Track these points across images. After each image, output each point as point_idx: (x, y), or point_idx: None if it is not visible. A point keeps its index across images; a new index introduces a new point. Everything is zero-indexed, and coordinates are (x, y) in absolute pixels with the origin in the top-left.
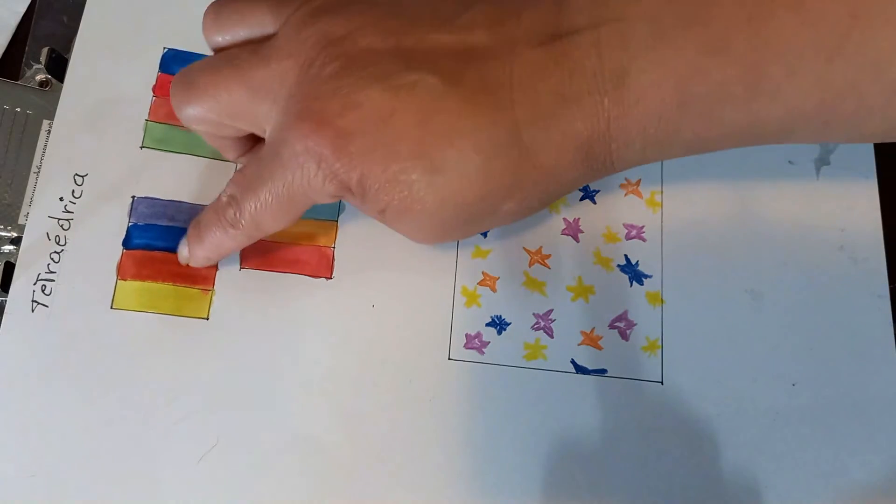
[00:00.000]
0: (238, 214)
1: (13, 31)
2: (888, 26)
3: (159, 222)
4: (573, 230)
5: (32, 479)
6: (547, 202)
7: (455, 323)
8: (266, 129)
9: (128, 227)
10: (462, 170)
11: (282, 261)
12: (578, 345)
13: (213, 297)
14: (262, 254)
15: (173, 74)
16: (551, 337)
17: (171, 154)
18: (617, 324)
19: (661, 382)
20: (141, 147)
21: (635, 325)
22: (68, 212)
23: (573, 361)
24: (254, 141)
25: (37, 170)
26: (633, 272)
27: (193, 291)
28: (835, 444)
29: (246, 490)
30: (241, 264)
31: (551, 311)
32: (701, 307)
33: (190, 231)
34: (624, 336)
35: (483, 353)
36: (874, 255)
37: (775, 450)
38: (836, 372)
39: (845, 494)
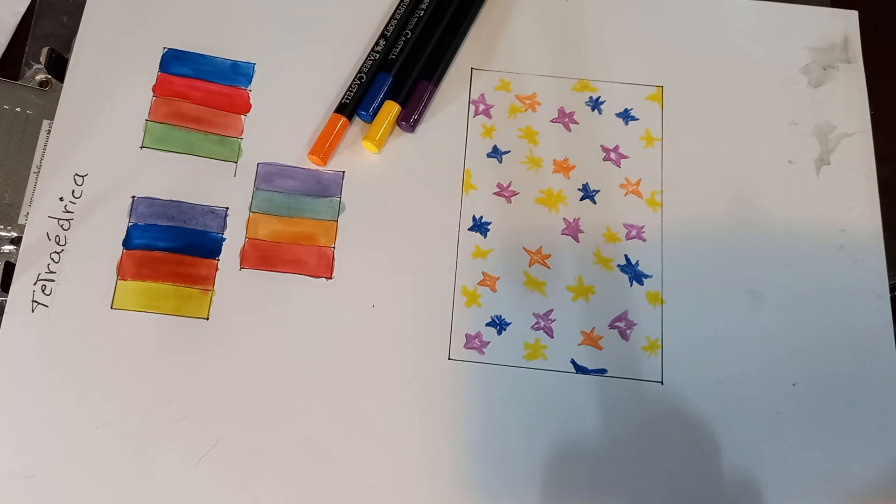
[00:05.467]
0: None
1: (13, 31)
2: None
3: (159, 222)
4: (573, 230)
5: (31, 479)
6: None
7: (455, 323)
8: None
9: (128, 227)
10: None
11: (282, 261)
12: (578, 345)
13: (213, 297)
14: (262, 254)
15: (173, 74)
16: (551, 337)
17: (171, 154)
18: (617, 324)
19: (661, 382)
20: (141, 147)
21: (635, 325)
22: (68, 212)
23: (573, 361)
24: None
25: (37, 170)
26: (633, 272)
27: (193, 291)
28: (835, 444)
29: (246, 490)
30: (241, 264)
31: (551, 311)
32: (701, 307)
33: None
34: (624, 336)
35: (483, 353)
36: (874, 255)
37: (775, 450)
38: (836, 372)
39: (845, 494)
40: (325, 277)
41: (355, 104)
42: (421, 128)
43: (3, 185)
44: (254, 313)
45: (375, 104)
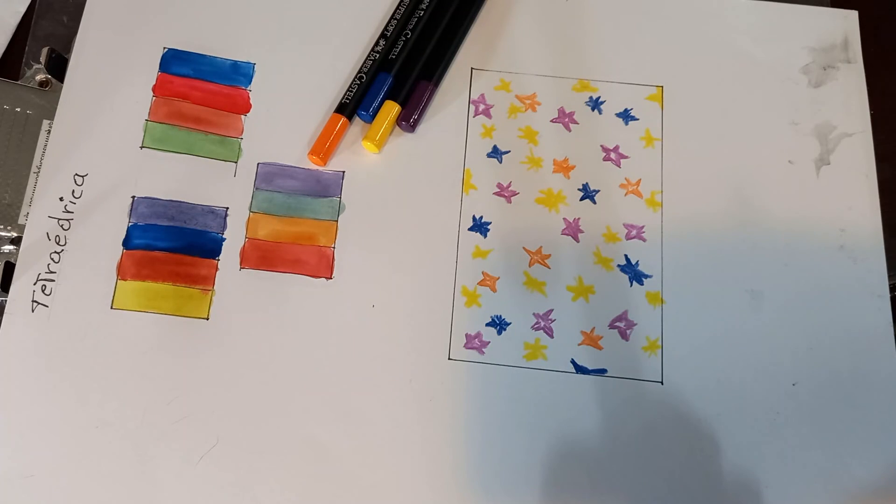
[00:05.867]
0: None
1: (13, 31)
2: None
3: (159, 222)
4: (573, 230)
5: (31, 479)
6: None
7: (455, 323)
8: None
9: (128, 227)
10: None
11: (282, 261)
12: (578, 345)
13: (213, 297)
14: (262, 254)
15: (173, 74)
16: (551, 337)
17: (171, 154)
18: (617, 324)
19: (661, 382)
20: (141, 147)
21: (635, 325)
22: (68, 212)
23: (573, 361)
24: None
25: (37, 170)
26: (633, 272)
27: (193, 291)
28: (835, 444)
29: (246, 490)
30: (241, 264)
31: (551, 311)
32: (701, 307)
33: None
34: (624, 336)
35: (483, 353)
36: (874, 255)
37: (775, 450)
38: (836, 372)
39: (845, 494)
40: (325, 277)
41: (355, 104)
42: (421, 128)
43: (3, 185)
44: (254, 313)
45: (375, 104)
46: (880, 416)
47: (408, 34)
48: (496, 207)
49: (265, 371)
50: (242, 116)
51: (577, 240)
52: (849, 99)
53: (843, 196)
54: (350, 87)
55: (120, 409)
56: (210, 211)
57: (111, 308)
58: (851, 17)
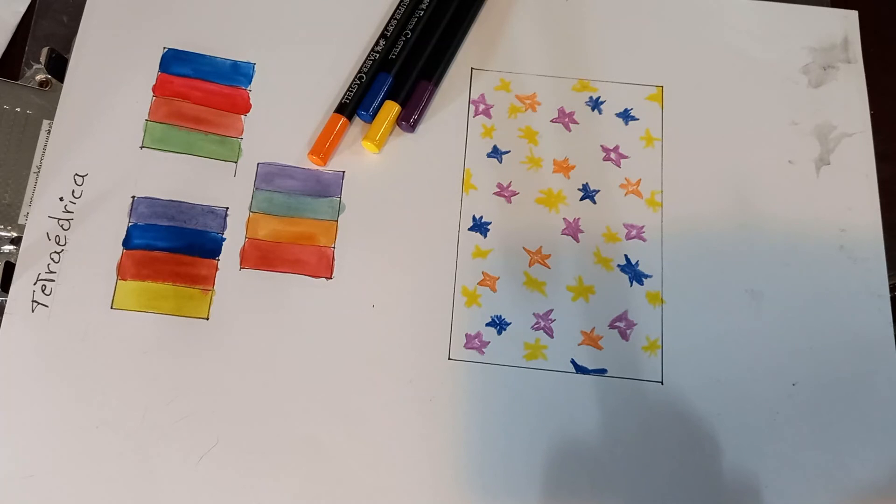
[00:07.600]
0: None
1: (13, 31)
2: None
3: (159, 222)
4: (573, 230)
5: (32, 479)
6: None
7: (455, 323)
8: None
9: (128, 227)
10: None
11: (282, 261)
12: (578, 345)
13: (213, 297)
14: (262, 254)
15: (173, 74)
16: (551, 337)
17: (171, 154)
18: (617, 324)
19: (661, 382)
20: (141, 147)
21: (635, 325)
22: (68, 212)
23: (573, 361)
24: None
25: (37, 170)
26: (633, 272)
27: (193, 291)
28: (835, 443)
29: (246, 490)
30: (241, 264)
31: (551, 311)
32: (701, 307)
33: None
34: (624, 336)
35: (483, 353)
36: (874, 255)
37: (775, 450)
38: (836, 372)
39: (845, 494)
40: (325, 277)
41: (355, 104)
42: (421, 128)
43: (3, 185)
44: (254, 313)
45: (375, 104)
46: (880, 417)
47: (408, 34)
48: (496, 207)
49: (265, 371)
50: (242, 116)
51: (577, 240)
52: (849, 99)
53: (843, 196)
54: (350, 87)
55: (120, 409)
56: (210, 211)
57: (111, 308)
58: (851, 17)
